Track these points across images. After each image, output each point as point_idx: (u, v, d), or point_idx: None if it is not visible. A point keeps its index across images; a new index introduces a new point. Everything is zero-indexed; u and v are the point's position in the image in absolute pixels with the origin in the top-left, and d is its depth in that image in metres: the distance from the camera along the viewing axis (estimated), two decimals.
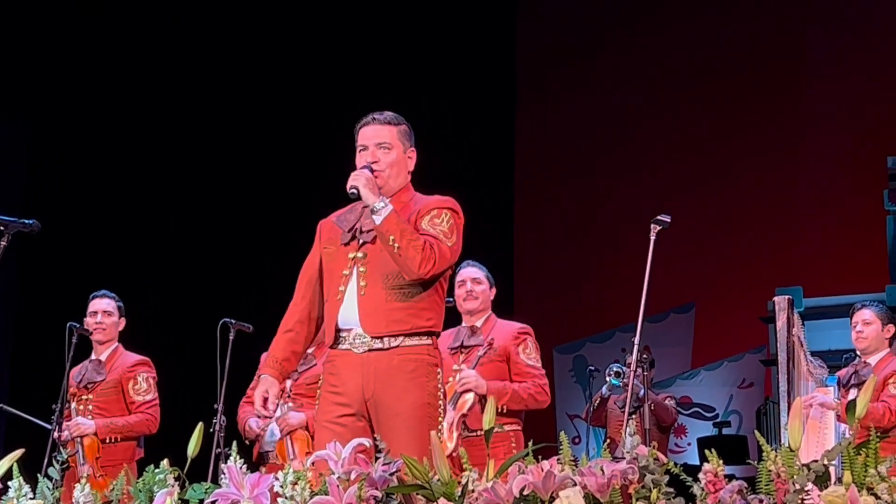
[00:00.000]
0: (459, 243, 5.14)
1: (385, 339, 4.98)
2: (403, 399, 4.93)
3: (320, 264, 5.24)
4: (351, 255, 5.09)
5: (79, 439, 7.70)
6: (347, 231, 5.14)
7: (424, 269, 4.93)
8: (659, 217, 6.72)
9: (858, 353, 7.88)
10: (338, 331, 5.08)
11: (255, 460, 7.47)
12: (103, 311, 8.03)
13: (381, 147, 5.14)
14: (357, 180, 4.97)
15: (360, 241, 5.09)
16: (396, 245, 4.90)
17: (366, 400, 4.97)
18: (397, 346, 4.99)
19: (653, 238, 6.65)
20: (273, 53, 13.72)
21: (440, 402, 5.05)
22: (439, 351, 5.17)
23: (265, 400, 5.15)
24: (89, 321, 8.04)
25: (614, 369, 10.55)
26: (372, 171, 5.07)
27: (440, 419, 5.03)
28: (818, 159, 15.09)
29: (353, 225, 5.13)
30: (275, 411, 5.30)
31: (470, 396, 6.79)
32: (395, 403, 4.93)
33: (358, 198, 4.98)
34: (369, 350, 4.99)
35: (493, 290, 7.37)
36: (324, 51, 14.04)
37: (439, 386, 5.06)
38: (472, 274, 7.25)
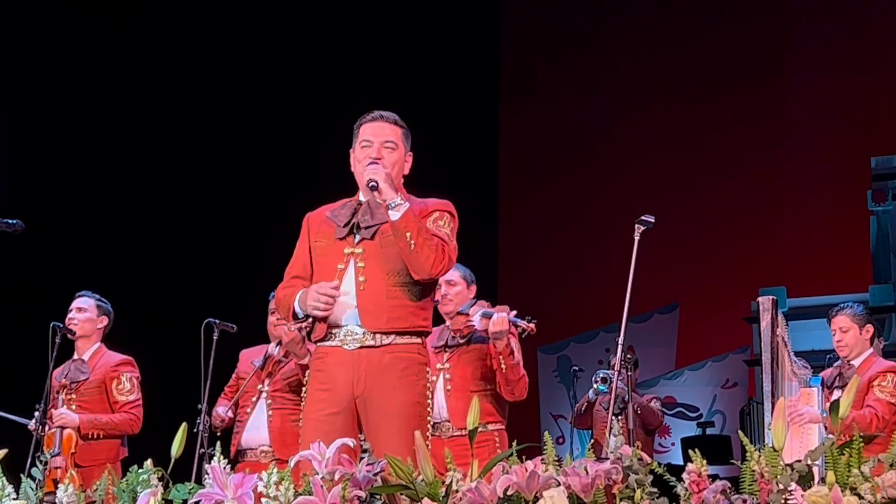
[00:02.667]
0: (456, 247, 5.15)
1: (378, 335, 4.98)
2: (394, 397, 4.92)
3: (310, 256, 5.21)
4: (347, 251, 5.08)
5: (58, 431, 7.68)
6: (343, 226, 5.13)
7: (437, 269, 4.96)
8: (643, 217, 6.71)
9: (841, 357, 7.88)
10: (329, 326, 5.07)
11: (233, 457, 7.47)
12: (77, 308, 8.03)
13: (387, 146, 5.15)
14: (377, 174, 4.97)
15: (359, 237, 5.08)
16: (413, 242, 4.89)
17: (355, 397, 4.95)
18: (389, 344, 4.98)
19: (637, 238, 6.65)
20: (258, 54, 13.70)
21: (429, 400, 5.05)
22: (427, 350, 5.18)
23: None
24: (72, 335, 8.05)
25: (601, 375, 10.53)
26: None
27: (428, 418, 5.02)
28: (802, 160, 15.12)
29: (350, 220, 5.12)
30: None
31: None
32: (386, 401, 4.92)
33: (375, 190, 4.95)
34: (361, 347, 4.98)
35: (473, 288, 7.34)
36: (309, 50, 14.02)
37: (428, 385, 5.05)
38: (447, 276, 7.22)
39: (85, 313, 7.99)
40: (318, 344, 5.12)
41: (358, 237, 5.08)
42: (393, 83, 13.70)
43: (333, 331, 5.05)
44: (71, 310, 8.06)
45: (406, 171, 5.24)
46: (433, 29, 14.80)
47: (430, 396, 5.09)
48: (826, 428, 7.40)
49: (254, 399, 7.72)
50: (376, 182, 4.94)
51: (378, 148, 5.13)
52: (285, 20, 13.94)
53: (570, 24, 16.55)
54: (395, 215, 4.91)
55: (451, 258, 5.01)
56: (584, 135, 16.14)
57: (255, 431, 7.61)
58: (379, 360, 4.96)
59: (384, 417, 4.91)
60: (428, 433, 4.96)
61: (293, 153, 13.50)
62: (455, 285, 7.21)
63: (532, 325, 6.95)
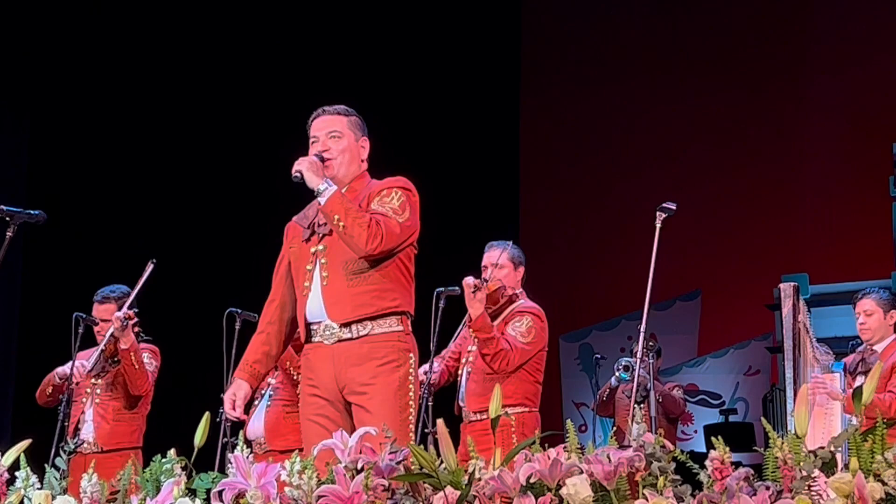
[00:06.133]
0: (414, 219, 5.19)
1: (353, 327, 5.06)
2: (373, 385, 4.99)
3: (289, 265, 5.35)
4: (312, 250, 5.21)
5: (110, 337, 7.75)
6: (307, 227, 5.26)
7: (371, 245, 4.98)
8: (664, 204, 6.70)
9: (863, 341, 7.87)
10: (308, 325, 5.16)
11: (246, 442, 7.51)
12: (102, 321, 8.05)
13: (332, 136, 5.27)
14: (300, 165, 5.11)
15: (320, 235, 5.19)
16: (342, 224, 4.98)
17: (340, 389, 5.04)
18: (366, 335, 5.05)
19: (658, 225, 6.63)
20: (274, 41, 13.70)
21: (411, 386, 5.08)
22: (412, 336, 5.20)
23: (233, 403, 5.20)
24: (96, 327, 8.07)
25: (623, 363, 10.51)
26: (323, 160, 5.18)
27: (411, 404, 5.05)
28: (824, 146, 15.06)
29: (312, 220, 5.25)
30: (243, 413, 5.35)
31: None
32: (366, 390, 4.99)
33: (302, 181, 5.07)
34: (338, 341, 5.06)
35: (521, 270, 7.32)
36: (327, 39, 14.02)
37: (411, 371, 5.09)
38: (493, 258, 7.21)
39: (110, 325, 7.98)
40: (304, 343, 5.22)
41: (320, 235, 5.19)
42: (413, 75, 13.70)
43: (313, 328, 5.16)
44: (97, 321, 8.08)
45: (363, 157, 5.34)
46: (453, 19, 14.78)
47: (414, 382, 5.10)
48: (844, 407, 7.40)
49: (262, 392, 7.77)
50: (300, 172, 5.07)
51: (324, 141, 5.26)
52: (305, 9, 13.94)
53: (591, 13, 16.51)
54: (322, 201, 5.03)
55: (389, 232, 5.02)
56: (605, 123, 16.10)
57: (257, 423, 7.67)
58: (357, 352, 5.04)
59: (365, 405, 4.98)
60: (411, 420, 4.99)
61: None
62: (503, 268, 7.20)
63: (476, 282, 6.87)
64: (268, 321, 5.38)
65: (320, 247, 5.16)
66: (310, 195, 5.23)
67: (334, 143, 5.24)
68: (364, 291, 5.05)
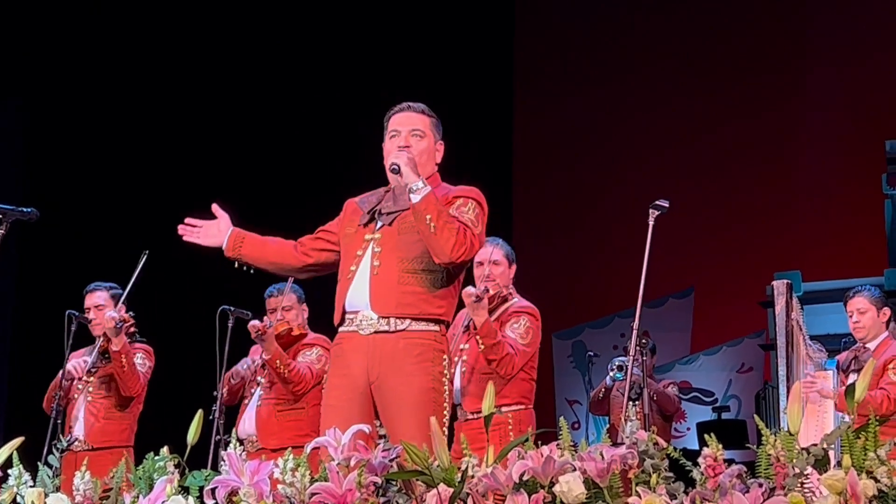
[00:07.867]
0: (483, 234, 5.14)
1: (392, 321, 4.98)
2: (408, 383, 4.92)
3: (337, 241, 5.28)
4: (367, 237, 5.12)
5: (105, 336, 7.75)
6: (366, 212, 5.17)
7: (457, 254, 4.92)
8: (657, 202, 6.69)
9: (857, 340, 7.86)
10: (345, 312, 5.09)
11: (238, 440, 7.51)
12: (95, 307, 8.03)
13: (415, 134, 5.20)
14: (399, 158, 5.01)
15: (379, 223, 5.11)
16: (433, 224, 4.89)
17: (370, 382, 4.97)
18: (404, 330, 4.98)
19: (651, 223, 6.63)
20: (263, 43, 13.69)
21: (445, 387, 5.02)
22: (447, 338, 5.16)
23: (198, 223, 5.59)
24: (89, 316, 8.06)
25: (616, 363, 10.52)
26: (398, 171, 5.09)
27: (445, 404, 5.01)
28: (817, 144, 15.09)
29: (374, 207, 5.16)
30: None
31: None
32: (400, 388, 4.92)
33: (397, 173, 4.99)
34: (375, 332, 4.99)
35: (514, 268, 7.29)
36: (325, 40, 14.01)
37: (445, 371, 5.03)
38: (492, 255, 7.18)
39: (104, 310, 7.97)
40: (339, 329, 5.14)
41: (379, 223, 5.12)
42: (406, 73, 13.69)
43: (349, 316, 5.08)
44: (88, 309, 8.07)
45: (438, 160, 5.28)
46: (447, 18, 14.77)
47: (447, 383, 5.06)
48: (836, 405, 7.40)
49: (252, 391, 7.76)
50: (398, 165, 4.98)
51: (406, 136, 5.18)
52: (301, 12, 13.93)
53: (584, 13, 16.52)
54: (416, 198, 4.93)
55: (472, 243, 4.98)
56: (599, 121, 16.11)
57: (248, 422, 7.66)
58: (393, 346, 4.96)
59: (398, 403, 4.91)
60: (444, 419, 4.95)
61: (310, 142, 13.49)
62: (499, 265, 7.16)
63: (478, 292, 6.78)
64: (288, 242, 5.39)
65: (377, 235, 5.09)
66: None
67: (416, 141, 5.17)
68: (413, 292, 4.99)
